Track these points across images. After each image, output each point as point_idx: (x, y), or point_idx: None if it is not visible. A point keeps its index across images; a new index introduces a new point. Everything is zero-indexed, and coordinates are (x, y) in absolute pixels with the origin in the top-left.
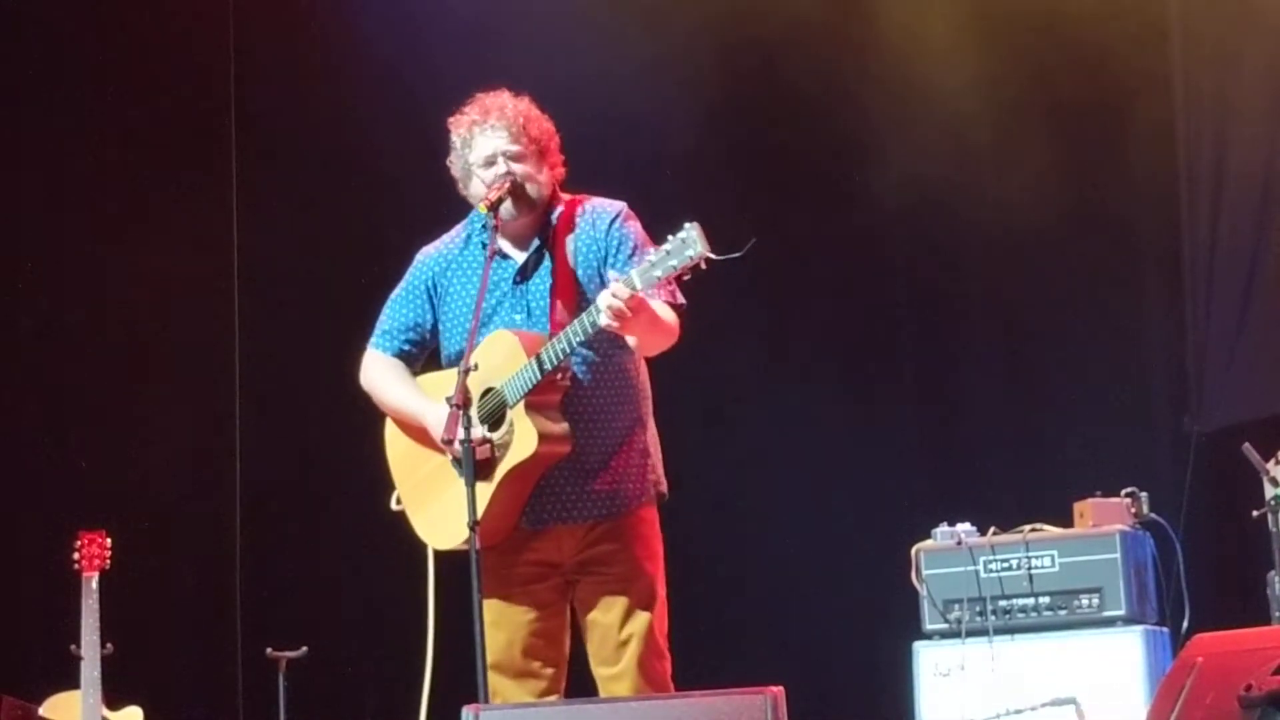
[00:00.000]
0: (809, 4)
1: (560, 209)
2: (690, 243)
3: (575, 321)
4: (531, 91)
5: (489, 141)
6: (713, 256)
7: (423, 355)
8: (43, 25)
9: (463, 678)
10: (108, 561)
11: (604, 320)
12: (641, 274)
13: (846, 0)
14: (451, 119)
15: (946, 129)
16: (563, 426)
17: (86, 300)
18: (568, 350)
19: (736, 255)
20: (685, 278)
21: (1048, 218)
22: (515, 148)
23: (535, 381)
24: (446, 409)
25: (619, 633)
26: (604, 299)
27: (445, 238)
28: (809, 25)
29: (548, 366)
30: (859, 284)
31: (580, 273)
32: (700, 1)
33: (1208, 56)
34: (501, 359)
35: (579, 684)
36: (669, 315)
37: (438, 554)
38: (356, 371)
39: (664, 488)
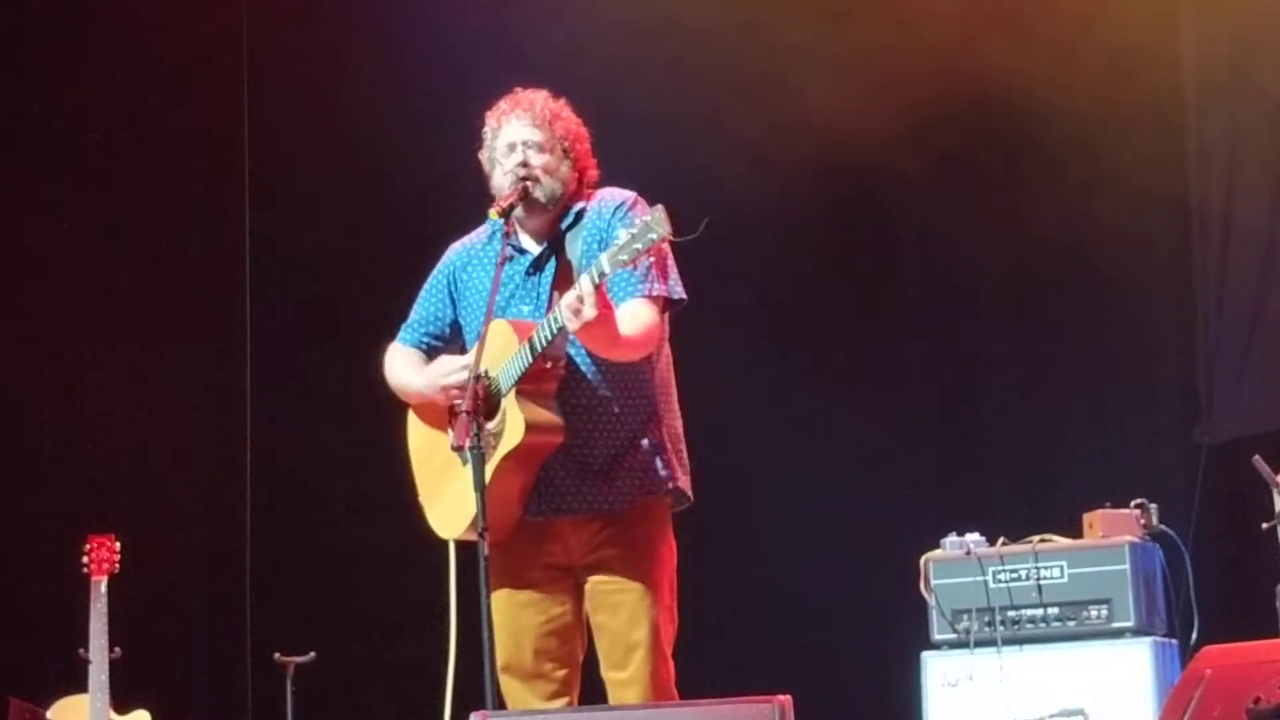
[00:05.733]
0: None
1: (581, 205)
2: (655, 225)
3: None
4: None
5: (513, 129)
6: (672, 239)
7: (444, 348)
8: None
9: (471, 681)
10: (117, 565)
11: (565, 315)
12: (610, 258)
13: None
14: (488, 112)
15: (959, 145)
16: (555, 416)
17: (92, 299)
18: (553, 332)
19: (691, 237)
20: (651, 259)
21: (1059, 231)
22: (538, 137)
23: (527, 365)
24: (442, 364)
25: (628, 637)
26: (567, 294)
27: (475, 232)
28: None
29: (538, 348)
30: (869, 293)
31: (586, 262)
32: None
33: (1219, 54)
34: (498, 348)
35: (588, 687)
36: (645, 316)
37: (459, 552)
38: (368, 377)
39: (682, 484)
